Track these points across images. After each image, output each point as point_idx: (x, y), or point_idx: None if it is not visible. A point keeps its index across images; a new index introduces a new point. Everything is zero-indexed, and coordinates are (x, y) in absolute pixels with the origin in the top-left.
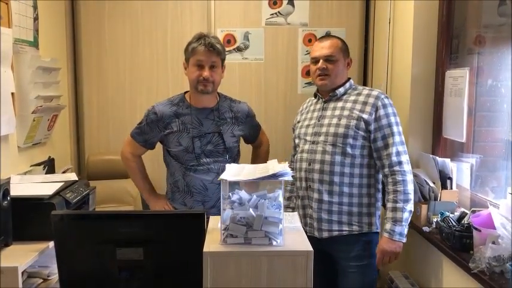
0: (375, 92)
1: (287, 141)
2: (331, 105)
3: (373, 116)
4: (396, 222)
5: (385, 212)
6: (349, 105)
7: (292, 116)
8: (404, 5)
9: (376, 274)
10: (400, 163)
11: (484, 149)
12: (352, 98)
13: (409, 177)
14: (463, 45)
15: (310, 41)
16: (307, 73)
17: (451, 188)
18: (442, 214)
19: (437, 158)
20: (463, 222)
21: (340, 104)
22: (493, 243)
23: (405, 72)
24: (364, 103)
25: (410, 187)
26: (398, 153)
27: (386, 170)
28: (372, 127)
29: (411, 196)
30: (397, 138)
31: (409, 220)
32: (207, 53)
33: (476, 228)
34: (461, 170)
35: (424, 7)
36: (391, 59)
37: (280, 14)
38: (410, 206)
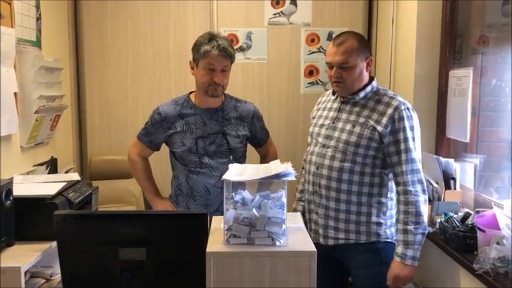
0: (395, 102)
1: (290, 142)
2: (348, 107)
3: (389, 128)
4: (408, 246)
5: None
6: (366, 112)
7: (294, 116)
8: (407, 5)
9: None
10: (413, 183)
11: (488, 149)
12: (371, 104)
13: (422, 198)
14: (466, 45)
15: (313, 40)
16: (309, 73)
17: (455, 189)
18: (445, 214)
19: (440, 158)
20: (467, 222)
21: (357, 109)
22: (498, 243)
23: (408, 72)
24: (382, 114)
25: (424, 208)
26: (413, 171)
27: (399, 188)
28: (387, 140)
29: (424, 218)
30: (413, 155)
31: (422, 243)
32: (220, 57)
33: (480, 229)
34: (464, 170)
35: (428, 7)
36: (394, 59)
37: (283, 13)
38: (422, 228)
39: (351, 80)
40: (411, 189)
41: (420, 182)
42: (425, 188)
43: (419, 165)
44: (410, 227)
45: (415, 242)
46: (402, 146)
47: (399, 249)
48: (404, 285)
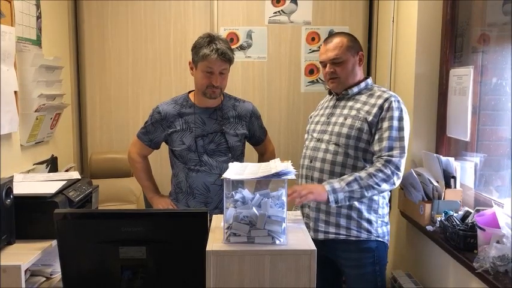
0: (386, 95)
1: (290, 140)
2: (342, 103)
3: (378, 118)
4: (341, 182)
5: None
6: (358, 105)
7: (295, 115)
8: (408, 4)
9: (381, 282)
10: (387, 163)
11: (488, 147)
12: (363, 98)
13: (385, 175)
14: (467, 43)
15: (313, 39)
16: (310, 72)
17: (455, 187)
18: (445, 213)
19: (441, 156)
20: (467, 221)
21: (350, 103)
22: (498, 242)
23: (409, 71)
24: (373, 105)
25: (380, 183)
26: (391, 156)
27: (374, 157)
28: (374, 129)
29: (371, 190)
30: (396, 143)
31: (352, 196)
32: (218, 61)
33: (480, 228)
34: (465, 169)
35: (428, 6)
36: (394, 58)
37: (284, 12)
38: (365, 190)
39: (344, 75)
40: (379, 166)
41: (396, 167)
42: (397, 176)
43: (403, 152)
44: (357, 176)
45: (350, 185)
46: (386, 134)
47: (333, 179)
48: (305, 198)
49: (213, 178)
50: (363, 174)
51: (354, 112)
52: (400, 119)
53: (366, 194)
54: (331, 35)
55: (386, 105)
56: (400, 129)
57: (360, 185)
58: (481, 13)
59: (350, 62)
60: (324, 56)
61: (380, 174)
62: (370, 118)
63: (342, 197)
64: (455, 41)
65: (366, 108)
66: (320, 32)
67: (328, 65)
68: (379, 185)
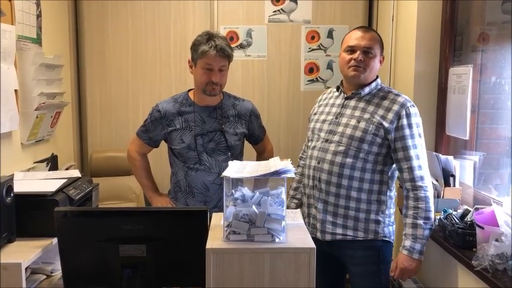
0: (401, 99)
1: (290, 139)
2: (352, 103)
3: (395, 124)
4: (416, 240)
5: (403, 227)
6: (371, 108)
7: (294, 113)
8: (407, 3)
9: (385, 280)
10: (422, 178)
11: (488, 146)
12: (376, 100)
13: (431, 193)
14: (466, 42)
15: (313, 38)
16: (309, 70)
17: (454, 186)
18: (445, 211)
19: (440, 155)
20: (466, 219)
21: (361, 105)
22: (496, 240)
23: (408, 70)
24: (388, 109)
25: (432, 203)
26: (420, 167)
27: (407, 184)
28: (392, 136)
29: (432, 214)
30: (419, 151)
31: (428, 237)
32: (217, 58)
33: (479, 226)
34: (464, 168)
35: (428, 4)
36: (394, 57)
37: (283, 11)
38: (431, 223)
39: (370, 68)
40: (421, 184)
41: (428, 177)
42: (431, 184)
43: (426, 161)
44: (420, 222)
45: (424, 237)
46: (409, 143)
47: (408, 242)
48: (410, 277)
49: (212, 177)
50: (422, 213)
51: (367, 115)
52: (418, 125)
53: (431, 226)
54: (364, 26)
55: (403, 112)
56: (422, 136)
57: (427, 226)
58: (480, 12)
59: (376, 59)
60: (356, 42)
61: (428, 200)
62: (386, 124)
63: (422, 247)
64: (454, 40)
65: (381, 112)
66: (320, 30)
67: (358, 52)
68: (432, 208)
